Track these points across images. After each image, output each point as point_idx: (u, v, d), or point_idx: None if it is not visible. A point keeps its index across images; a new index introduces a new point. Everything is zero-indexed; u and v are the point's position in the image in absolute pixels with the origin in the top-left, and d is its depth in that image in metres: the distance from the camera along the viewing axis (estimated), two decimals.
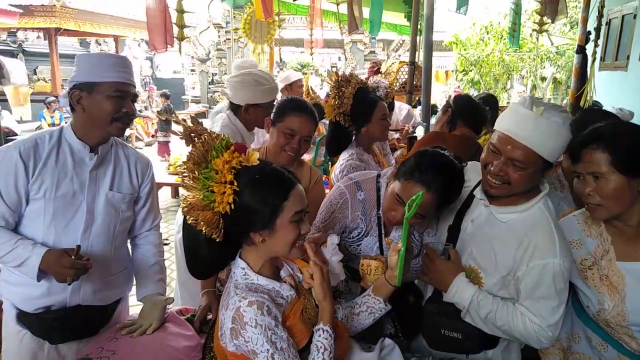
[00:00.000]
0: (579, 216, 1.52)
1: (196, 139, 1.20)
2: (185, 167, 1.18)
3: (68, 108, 1.66)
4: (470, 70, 12.02)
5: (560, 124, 1.29)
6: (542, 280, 1.34)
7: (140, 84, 16.17)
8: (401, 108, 4.04)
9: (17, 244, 1.56)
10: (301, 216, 1.23)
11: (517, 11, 2.88)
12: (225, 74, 16.11)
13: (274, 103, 2.41)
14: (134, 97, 1.66)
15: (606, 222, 1.42)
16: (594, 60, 3.07)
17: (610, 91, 6.33)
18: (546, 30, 2.61)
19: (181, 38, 1.59)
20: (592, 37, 3.16)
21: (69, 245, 1.61)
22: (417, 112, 4.65)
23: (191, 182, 1.17)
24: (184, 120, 1.22)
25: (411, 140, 2.92)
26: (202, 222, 1.14)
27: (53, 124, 8.31)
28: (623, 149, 1.29)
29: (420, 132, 3.38)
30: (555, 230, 1.37)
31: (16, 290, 1.66)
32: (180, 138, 1.23)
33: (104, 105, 1.58)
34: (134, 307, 1.96)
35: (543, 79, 12.21)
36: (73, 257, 1.51)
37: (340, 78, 2.06)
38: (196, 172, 1.16)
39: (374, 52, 16.07)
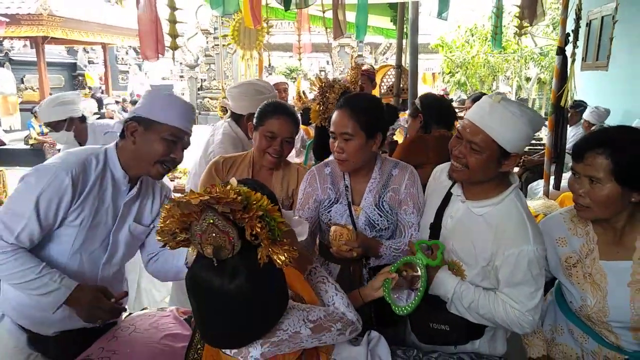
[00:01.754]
0: (566, 214, 1.57)
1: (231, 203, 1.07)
2: (258, 228, 1.05)
3: (118, 133, 1.64)
4: (457, 72, 12.21)
5: (517, 114, 1.38)
6: (518, 267, 1.41)
7: (128, 91, 16.13)
8: None
9: (43, 272, 1.49)
10: None
11: (497, 14, 2.97)
12: (214, 79, 16.13)
13: None
14: (186, 144, 1.63)
15: (594, 222, 1.48)
16: (573, 61, 3.17)
17: (592, 90, 6.49)
18: (525, 34, 2.70)
19: (174, 47, 1.64)
20: (571, 38, 3.26)
21: (90, 274, 1.63)
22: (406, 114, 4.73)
23: (265, 234, 1.06)
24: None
25: (392, 145, 2.98)
26: (291, 253, 1.07)
27: (42, 133, 8.27)
28: (626, 160, 1.30)
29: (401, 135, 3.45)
30: (527, 219, 1.45)
31: (30, 314, 1.60)
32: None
33: (154, 145, 1.56)
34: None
35: (528, 79, 12.43)
36: (113, 300, 1.52)
37: (324, 84, 2.14)
38: (263, 222, 1.06)
39: (361, 55, 16.20)
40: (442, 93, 12.87)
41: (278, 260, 1.05)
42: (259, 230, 1.03)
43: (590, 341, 1.53)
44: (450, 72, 12.59)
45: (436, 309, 1.56)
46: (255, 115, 2.00)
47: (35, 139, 8.65)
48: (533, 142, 6.95)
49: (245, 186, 1.13)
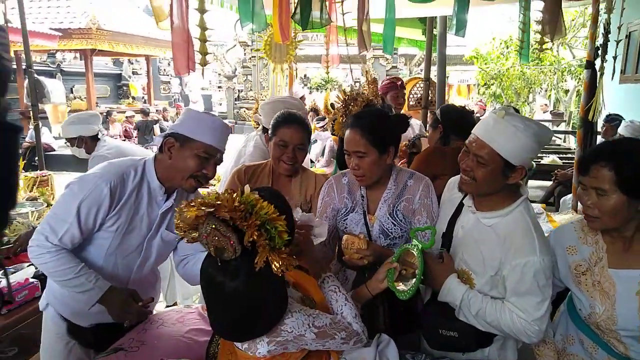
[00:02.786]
0: (577, 224, 1.60)
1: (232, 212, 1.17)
2: (256, 235, 1.14)
3: (156, 147, 1.77)
4: (492, 84, 12.04)
5: (520, 128, 1.43)
6: (525, 277, 1.44)
7: (169, 101, 16.76)
8: (412, 125, 4.08)
9: (81, 272, 1.63)
10: None
11: (524, 29, 3.00)
12: (251, 90, 16.55)
13: None
14: (219, 161, 1.72)
15: (603, 232, 1.50)
16: (601, 75, 3.15)
17: (631, 104, 6.31)
18: (547, 49, 2.73)
19: (203, 64, 1.79)
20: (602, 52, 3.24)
21: (123, 275, 1.76)
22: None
23: (263, 241, 1.15)
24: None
25: (412, 156, 3.03)
26: (288, 262, 1.16)
27: None
28: (630, 171, 1.34)
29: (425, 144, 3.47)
30: (534, 230, 1.48)
31: (72, 306, 1.76)
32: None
33: (188, 161, 1.65)
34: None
35: (566, 91, 12.12)
36: (140, 303, 1.65)
37: (348, 97, 2.24)
38: (262, 229, 1.16)
39: (395, 67, 16.22)
40: (479, 105, 12.71)
41: (274, 266, 1.14)
42: (256, 237, 1.13)
43: (600, 351, 1.54)
44: (485, 84, 12.44)
45: (446, 317, 1.61)
46: (270, 127, 2.13)
47: None
48: (569, 155, 6.82)
49: (261, 193, 1.25)
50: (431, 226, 1.66)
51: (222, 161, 1.75)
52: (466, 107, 2.79)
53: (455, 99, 15.77)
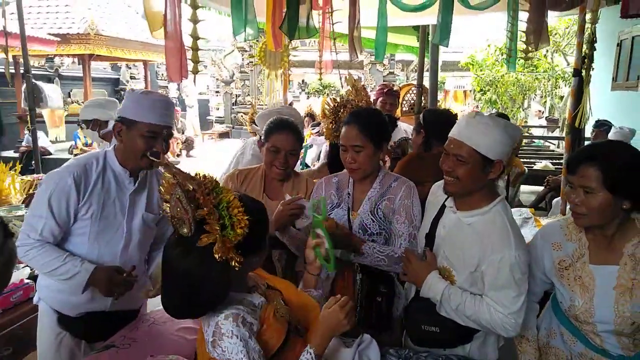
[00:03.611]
0: (563, 222, 1.68)
1: (190, 182, 1.26)
2: (204, 211, 1.22)
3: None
4: (487, 90, 12.16)
5: (490, 124, 1.55)
6: (501, 271, 1.53)
7: None
8: (399, 129, 4.03)
9: (67, 260, 1.74)
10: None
11: (511, 38, 3.06)
12: (248, 95, 16.63)
13: None
14: (168, 136, 1.82)
15: (586, 229, 1.58)
16: (587, 83, 3.23)
17: (623, 110, 6.40)
18: (531, 58, 2.80)
19: (195, 72, 1.85)
20: (593, 62, 3.32)
21: (110, 260, 1.83)
22: None
23: (214, 223, 1.21)
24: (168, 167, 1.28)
25: (394, 161, 3.08)
26: (232, 256, 1.23)
27: (86, 144, 8.79)
28: (615, 170, 1.41)
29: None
30: (510, 227, 1.57)
31: (60, 297, 1.85)
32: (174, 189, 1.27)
33: (137, 142, 1.76)
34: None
35: (561, 98, 12.24)
36: (125, 275, 1.73)
37: (337, 104, 2.31)
38: (216, 212, 1.23)
39: (392, 72, 16.35)
40: (475, 111, 12.79)
41: (214, 249, 1.21)
42: (206, 213, 1.21)
43: (578, 344, 1.62)
44: (481, 90, 12.56)
45: (428, 312, 1.69)
46: (262, 133, 2.20)
47: (80, 149, 9.17)
48: (562, 161, 6.89)
49: (242, 195, 1.34)
50: (322, 197, 1.85)
51: (172, 135, 1.86)
52: (451, 110, 2.81)
53: (452, 104, 15.88)
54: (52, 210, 1.73)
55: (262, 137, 2.20)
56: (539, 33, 2.43)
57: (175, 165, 1.29)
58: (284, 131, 2.13)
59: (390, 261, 1.81)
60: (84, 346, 1.92)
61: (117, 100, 3.88)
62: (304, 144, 3.16)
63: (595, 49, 3.24)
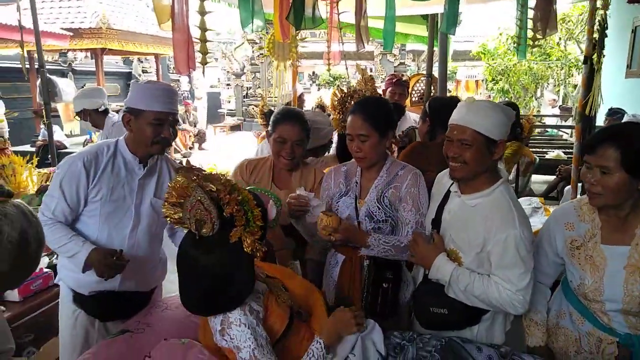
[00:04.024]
0: (576, 203, 1.71)
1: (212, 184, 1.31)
2: (229, 209, 1.29)
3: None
4: (500, 80, 12.02)
5: (489, 106, 1.63)
6: (507, 250, 1.57)
7: (179, 98, 16.95)
8: (406, 118, 3.99)
9: (71, 239, 1.87)
10: None
11: (520, 26, 3.05)
12: (259, 87, 16.65)
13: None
14: (174, 122, 1.91)
15: (599, 210, 1.61)
16: (598, 70, 3.19)
17: (637, 98, 6.30)
18: (539, 45, 2.78)
19: (204, 63, 1.89)
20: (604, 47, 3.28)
21: (119, 241, 1.93)
22: None
23: (241, 218, 1.30)
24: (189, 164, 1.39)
25: (402, 150, 3.09)
26: (257, 247, 1.31)
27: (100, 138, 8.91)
28: (633, 152, 1.45)
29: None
30: (513, 207, 1.62)
31: (74, 276, 1.96)
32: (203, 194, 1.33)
33: (145, 131, 1.86)
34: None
35: (575, 86, 12.06)
36: (115, 258, 1.80)
37: (344, 94, 2.33)
38: (242, 209, 1.31)
39: (403, 63, 16.21)
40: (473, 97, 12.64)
41: (245, 244, 1.28)
42: (235, 211, 1.26)
43: (586, 323, 1.66)
44: (493, 80, 12.42)
45: (436, 295, 1.74)
46: (270, 124, 2.23)
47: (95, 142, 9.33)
48: (570, 151, 6.82)
49: (250, 189, 1.41)
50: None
51: (177, 121, 1.95)
52: (458, 97, 2.80)
53: (463, 94, 15.73)
54: (63, 192, 1.87)
55: (270, 128, 2.24)
56: (546, 20, 2.42)
57: (197, 167, 1.35)
58: (290, 122, 2.16)
59: (397, 251, 1.85)
60: (97, 325, 2.02)
61: (102, 88, 3.99)
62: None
63: (606, 35, 3.19)
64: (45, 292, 2.49)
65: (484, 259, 1.66)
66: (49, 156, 5.12)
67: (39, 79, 5.49)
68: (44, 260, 2.67)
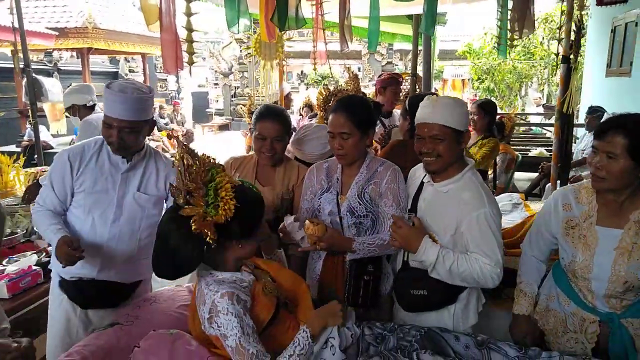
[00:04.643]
0: (576, 187, 1.82)
1: (193, 158, 1.42)
2: (192, 185, 1.39)
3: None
4: (485, 79, 12.19)
5: (450, 102, 1.78)
6: (481, 226, 1.70)
7: (166, 98, 16.86)
8: (394, 116, 4.02)
9: (50, 226, 1.96)
10: (265, 228, 1.63)
11: (500, 26, 3.14)
12: (247, 87, 16.65)
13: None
14: (124, 130, 1.93)
15: (598, 193, 1.71)
16: (575, 69, 3.30)
17: (616, 96, 6.47)
18: (517, 45, 2.88)
19: (191, 63, 1.94)
20: (586, 47, 3.39)
21: (101, 232, 2.02)
22: None
23: (199, 198, 1.39)
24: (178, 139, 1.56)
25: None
26: (207, 231, 1.39)
27: None
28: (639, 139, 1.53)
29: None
30: (481, 189, 1.77)
31: (57, 261, 2.01)
32: (176, 160, 1.45)
33: (102, 130, 1.99)
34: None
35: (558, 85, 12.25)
36: (70, 248, 1.86)
37: (328, 93, 2.39)
38: (204, 190, 1.40)
39: (391, 62, 16.34)
40: (471, 100, 12.86)
41: (192, 222, 1.37)
42: (193, 187, 1.37)
43: (571, 304, 1.78)
44: (479, 79, 12.59)
45: (415, 278, 1.84)
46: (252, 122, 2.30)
47: None
48: (551, 149, 6.96)
49: (244, 182, 1.53)
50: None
51: (126, 131, 1.95)
52: (436, 94, 2.85)
53: (450, 93, 15.90)
54: (52, 183, 2.02)
55: (251, 126, 2.30)
56: (522, 21, 2.51)
57: (186, 145, 1.44)
58: (269, 119, 2.22)
59: (381, 249, 1.92)
60: (79, 312, 2.08)
61: (90, 85, 4.04)
62: None
63: (583, 36, 3.30)
64: (34, 289, 2.51)
65: (458, 240, 1.77)
66: (35, 156, 5.11)
67: (25, 79, 5.47)
68: (33, 258, 2.69)
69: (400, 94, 4.67)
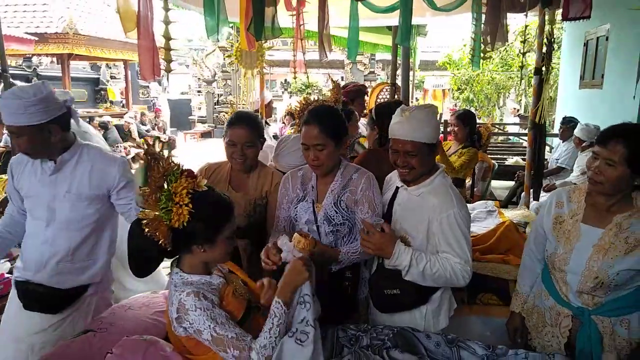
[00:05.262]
0: (570, 189, 1.93)
1: (155, 162, 1.45)
2: (148, 189, 1.44)
3: None
4: (465, 89, 12.44)
5: (422, 116, 1.82)
6: (451, 227, 1.78)
7: (148, 105, 16.71)
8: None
9: None
10: (234, 234, 1.60)
11: (475, 39, 3.23)
12: (230, 94, 16.64)
13: None
14: (11, 135, 1.94)
15: (588, 194, 1.81)
16: (546, 80, 3.41)
17: (589, 107, 6.67)
18: (490, 57, 2.97)
19: (168, 70, 1.96)
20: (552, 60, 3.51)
21: (37, 235, 2.07)
22: None
23: (152, 202, 1.44)
24: (146, 144, 1.60)
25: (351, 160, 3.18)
26: (158, 234, 1.43)
27: None
28: (639, 149, 1.61)
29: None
30: (450, 191, 1.86)
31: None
32: (142, 162, 1.47)
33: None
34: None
35: None
36: None
37: (305, 103, 2.43)
38: (158, 194, 1.43)
39: (373, 72, 16.52)
40: (451, 110, 13.07)
41: (146, 225, 1.42)
42: (147, 191, 1.42)
43: (550, 298, 1.89)
44: (459, 89, 12.83)
45: (388, 278, 1.89)
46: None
47: None
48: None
49: (213, 189, 1.55)
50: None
51: (17, 134, 1.93)
52: (399, 101, 2.85)
53: (431, 103, 16.14)
54: (7, 191, 2.16)
55: (224, 133, 2.32)
56: (494, 34, 2.59)
57: (150, 149, 1.47)
58: (239, 125, 2.23)
59: (363, 255, 1.95)
60: (22, 314, 2.07)
61: (69, 91, 4.01)
62: None
63: (553, 49, 3.42)
64: (5, 297, 2.47)
65: (430, 240, 1.85)
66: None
67: (2, 84, 5.38)
68: (5, 266, 2.66)
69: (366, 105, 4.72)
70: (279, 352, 1.46)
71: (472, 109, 13.19)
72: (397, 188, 1.99)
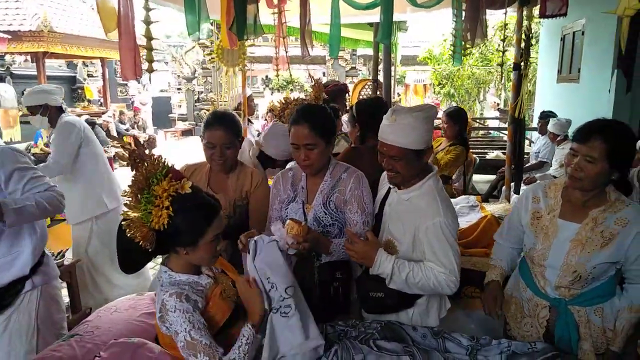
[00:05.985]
0: (546, 183, 1.93)
1: (139, 163, 1.47)
2: (130, 191, 1.46)
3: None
4: (445, 84, 12.57)
5: (411, 122, 1.73)
6: (436, 235, 1.74)
7: (127, 103, 16.45)
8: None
9: None
10: (219, 237, 1.59)
11: (455, 35, 3.26)
12: (211, 91, 16.49)
13: None
14: None
15: (565, 189, 1.83)
16: (524, 76, 3.47)
17: (566, 101, 6.80)
18: (469, 53, 3.01)
19: (150, 70, 1.94)
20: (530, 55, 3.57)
21: None
22: None
23: (134, 204, 1.46)
24: (129, 145, 1.61)
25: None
26: (138, 236, 1.43)
27: (47, 144, 8.55)
28: (618, 146, 1.62)
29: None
30: (438, 197, 1.80)
31: None
32: (127, 164, 1.51)
33: None
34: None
35: None
36: None
37: (285, 101, 2.43)
38: (139, 196, 1.45)
39: (354, 67, 16.55)
40: (437, 104, 13.20)
41: (128, 227, 1.44)
42: (129, 188, 1.46)
43: (528, 290, 1.93)
44: (439, 84, 12.95)
45: (374, 281, 1.86)
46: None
47: (41, 149, 8.90)
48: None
49: (199, 190, 1.57)
50: None
51: None
52: (380, 98, 2.84)
53: (412, 98, 16.27)
54: None
55: (201, 134, 2.29)
56: (474, 30, 2.62)
57: (134, 151, 1.47)
58: (216, 126, 2.19)
59: None
60: None
61: (61, 88, 3.93)
62: None
63: (531, 44, 3.48)
64: None
65: (417, 246, 1.82)
66: None
67: None
68: None
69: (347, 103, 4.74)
70: (271, 328, 1.53)
71: (453, 103, 13.35)
72: (390, 188, 1.97)
